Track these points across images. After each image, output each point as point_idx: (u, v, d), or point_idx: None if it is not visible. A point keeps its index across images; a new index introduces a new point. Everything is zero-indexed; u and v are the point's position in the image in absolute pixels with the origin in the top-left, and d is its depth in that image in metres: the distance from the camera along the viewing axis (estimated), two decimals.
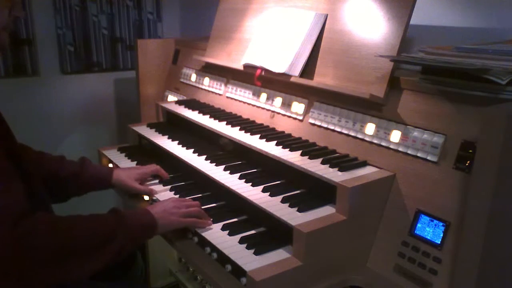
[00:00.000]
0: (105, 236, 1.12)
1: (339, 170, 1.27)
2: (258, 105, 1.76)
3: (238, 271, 1.13)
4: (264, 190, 1.33)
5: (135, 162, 1.79)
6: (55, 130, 2.61)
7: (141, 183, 1.58)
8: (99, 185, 1.57)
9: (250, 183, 1.37)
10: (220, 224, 1.32)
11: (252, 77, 1.71)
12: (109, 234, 1.13)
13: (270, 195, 1.30)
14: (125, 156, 1.86)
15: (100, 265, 1.10)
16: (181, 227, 1.30)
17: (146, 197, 1.56)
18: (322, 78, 1.51)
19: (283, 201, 1.26)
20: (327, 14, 1.54)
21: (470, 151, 1.10)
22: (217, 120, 1.74)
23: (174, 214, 1.28)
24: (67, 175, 1.50)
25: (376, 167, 1.30)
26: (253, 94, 1.78)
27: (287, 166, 1.35)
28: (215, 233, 1.28)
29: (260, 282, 1.04)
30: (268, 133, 1.58)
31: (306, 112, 1.56)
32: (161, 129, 1.93)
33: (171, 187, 1.56)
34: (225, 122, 1.70)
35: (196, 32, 2.78)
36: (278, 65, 1.58)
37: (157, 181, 1.62)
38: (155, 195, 1.52)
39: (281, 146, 1.45)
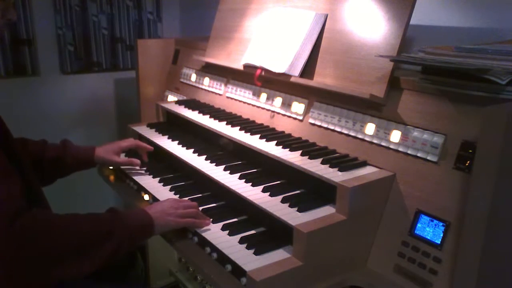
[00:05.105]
0: (102, 234, 1.12)
1: (339, 170, 1.27)
2: (258, 105, 1.76)
3: (238, 271, 1.13)
4: (264, 190, 1.33)
5: None
6: (55, 130, 2.60)
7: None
8: (83, 165, 1.64)
9: (250, 183, 1.37)
10: (220, 224, 1.32)
11: (252, 77, 1.70)
12: (106, 233, 1.13)
13: (270, 195, 1.30)
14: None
15: (97, 263, 1.10)
16: (178, 227, 1.30)
17: (146, 197, 1.56)
18: (322, 78, 1.51)
19: (283, 201, 1.26)
20: (327, 14, 1.54)
21: (470, 151, 1.10)
22: (217, 120, 1.74)
23: (171, 214, 1.28)
24: (51, 159, 1.54)
25: (376, 167, 1.30)
26: (253, 94, 1.78)
27: (287, 166, 1.35)
28: (215, 233, 1.28)
29: (260, 282, 1.04)
30: (268, 133, 1.57)
31: (306, 112, 1.56)
32: (161, 129, 1.93)
33: (171, 187, 1.56)
34: (225, 122, 1.70)
35: (196, 32, 2.78)
36: (278, 65, 1.58)
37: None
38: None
39: (281, 146, 1.45)
